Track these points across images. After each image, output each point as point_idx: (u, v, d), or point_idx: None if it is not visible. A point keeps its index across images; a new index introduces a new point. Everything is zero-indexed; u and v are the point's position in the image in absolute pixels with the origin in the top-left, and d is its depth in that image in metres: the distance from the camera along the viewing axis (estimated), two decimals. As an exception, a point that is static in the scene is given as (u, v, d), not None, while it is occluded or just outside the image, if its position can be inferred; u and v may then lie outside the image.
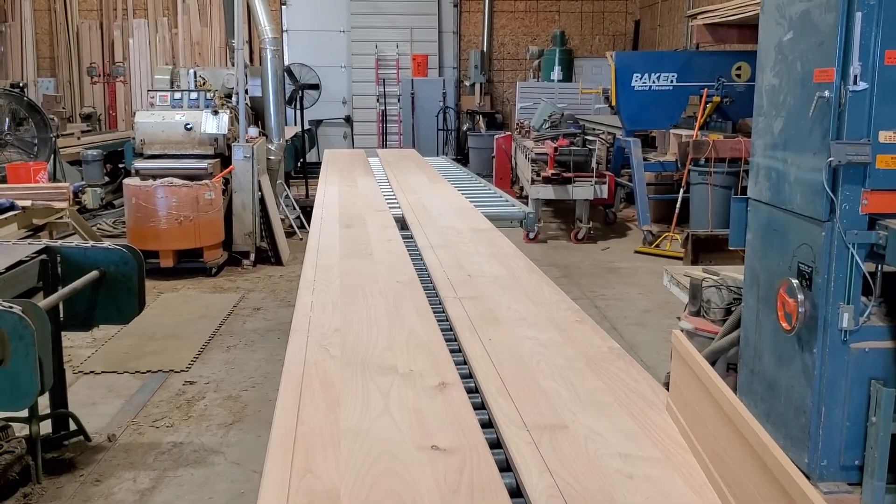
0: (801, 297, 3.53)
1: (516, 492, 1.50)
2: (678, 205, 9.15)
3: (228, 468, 4.16)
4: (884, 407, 3.37)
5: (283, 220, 9.16)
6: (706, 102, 9.45)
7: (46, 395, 4.32)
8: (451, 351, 2.22)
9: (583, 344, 2.23)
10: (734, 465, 1.34)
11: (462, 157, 14.82)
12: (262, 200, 8.33)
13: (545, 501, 1.40)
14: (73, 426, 4.42)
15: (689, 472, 1.49)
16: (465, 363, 2.18)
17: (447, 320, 2.52)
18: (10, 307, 3.26)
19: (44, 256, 4.16)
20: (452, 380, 1.97)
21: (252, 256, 8.33)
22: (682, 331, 3.33)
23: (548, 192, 9.37)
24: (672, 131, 10.22)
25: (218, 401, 5.02)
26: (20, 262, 3.96)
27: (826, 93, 3.35)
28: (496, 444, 1.70)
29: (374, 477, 1.48)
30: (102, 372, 5.50)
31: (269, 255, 8.48)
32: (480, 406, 1.90)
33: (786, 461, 1.12)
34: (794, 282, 3.59)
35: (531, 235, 9.43)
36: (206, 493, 3.92)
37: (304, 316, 2.43)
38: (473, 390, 2.00)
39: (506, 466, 1.61)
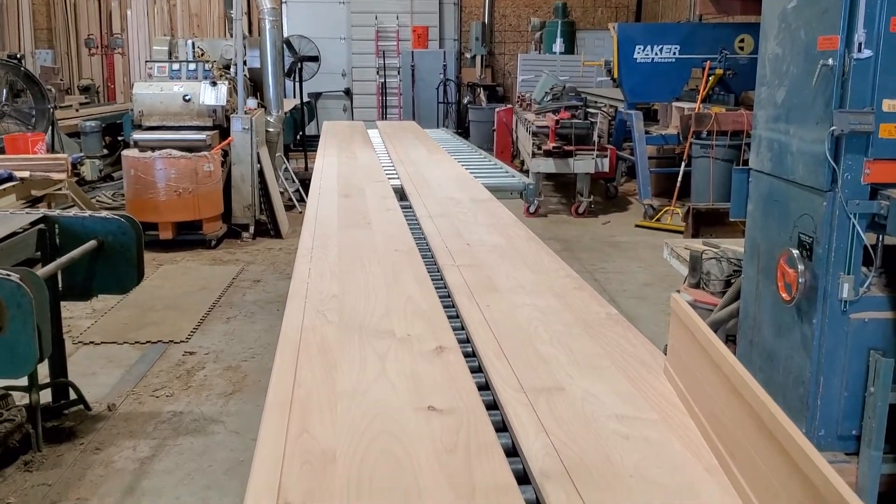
0: (801, 267, 3.52)
1: (512, 451, 1.50)
2: (679, 178, 9.11)
3: (228, 437, 4.18)
4: (882, 377, 3.37)
5: (282, 192, 9.14)
6: (709, 75, 9.39)
7: (46, 364, 4.34)
8: (449, 317, 2.21)
9: (581, 310, 2.22)
10: (732, 425, 1.34)
11: (462, 131, 14.75)
12: (260, 173, 8.30)
13: (541, 461, 1.40)
14: (72, 395, 4.43)
15: (685, 434, 1.49)
16: (462, 329, 2.17)
17: (445, 288, 2.51)
18: (8, 275, 3.25)
19: (41, 226, 4.15)
20: (450, 344, 1.96)
21: (251, 229, 8.32)
22: (681, 300, 3.31)
23: (549, 165, 9.33)
24: (674, 104, 10.16)
25: (218, 371, 5.03)
26: (18, 232, 3.95)
27: (830, 61, 3.31)
28: (493, 406, 1.70)
29: (371, 437, 1.48)
30: (102, 342, 5.51)
31: (268, 228, 8.46)
32: (478, 370, 1.90)
33: (784, 419, 1.12)
34: (795, 252, 3.57)
35: (531, 209, 9.41)
36: (206, 461, 3.94)
37: (301, 283, 2.43)
38: (471, 355, 2.00)
39: (502, 427, 1.60)
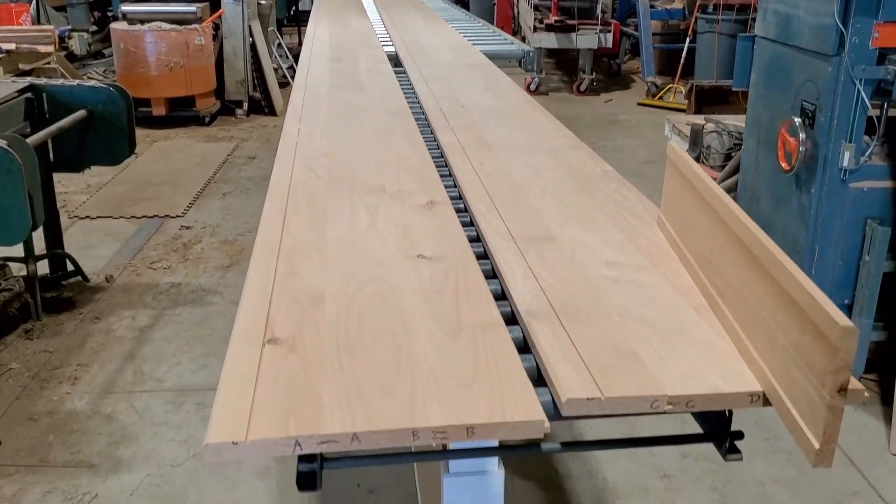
0: (802, 135, 3.46)
1: (501, 296, 1.49)
2: (684, 55, 8.90)
3: (227, 307, 4.22)
4: (878, 246, 3.37)
5: (275, 69, 8.93)
6: (717, -55, 9.00)
7: (42, 238, 4.34)
8: (442, 176, 2.17)
9: (576, 168, 2.18)
10: (722, 264, 1.32)
11: (462, 4, 14.29)
12: (253, 47, 8.09)
13: (528, 302, 1.39)
14: (70, 267, 4.45)
15: (676, 279, 1.47)
16: (454, 186, 2.14)
17: (438, 147, 2.46)
18: (-4, 141, 3.20)
19: (29, 95, 4.06)
20: (441, 199, 1.93)
21: (245, 106, 8.18)
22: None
23: (550, 40, 9.08)
24: (680, -23, 9.81)
25: (214, 244, 5.04)
26: (5, 101, 3.86)
27: (843, -83, 3.15)
28: (483, 257, 1.68)
29: (360, 280, 1.47)
30: (98, 217, 5.50)
31: (262, 105, 8.32)
32: (469, 224, 1.88)
33: (775, 249, 1.10)
34: (797, 120, 3.51)
35: (532, 87, 9.23)
36: (205, 329, 3.99)
37: (290, 141, 2.37)
38: (462, 210, 1.97)
39: (492, 275, 1.59)
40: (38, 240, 4.23)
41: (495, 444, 1.31)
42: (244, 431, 1.03)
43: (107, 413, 3.29)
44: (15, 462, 2.99)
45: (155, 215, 5.51)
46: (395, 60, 3.85)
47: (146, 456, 3.04)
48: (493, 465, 1.54)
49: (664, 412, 1.12)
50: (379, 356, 1.21)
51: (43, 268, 4.32)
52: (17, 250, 3.93)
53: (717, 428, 1.27)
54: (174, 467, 2.98)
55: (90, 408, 3.33)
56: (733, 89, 4.40)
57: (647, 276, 1.48)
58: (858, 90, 3.27)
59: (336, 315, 1.33)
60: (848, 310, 3.53)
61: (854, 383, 0.99)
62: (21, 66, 6.83)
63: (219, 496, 2.83)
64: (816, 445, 0.98)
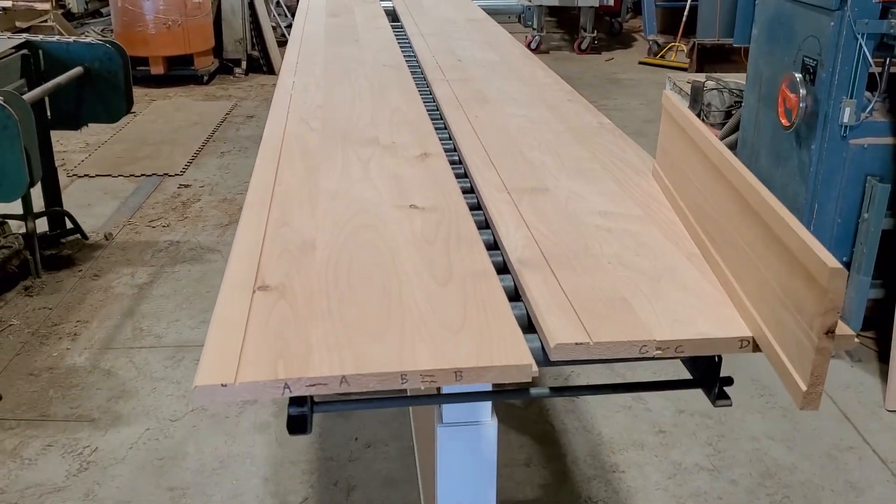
0: (803, 91, 3.43)
1: (493, 246, 1.49)
2: (686, 13, 8.78)
3: (225, 265, 4.21)
4: (877, 203, 3.35)
5: (274, 27, 8.84)
6: None
7: (41, 196, 4.33)
8: (437, 128, 2.15)
9: (573, 120, 2.17)
10: (716, 213, 1.31)
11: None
12: (251, 5, 8.00)
13: (520, 251, 1.39)
14: (69, 225, 4.45)
15: (669, 227, 1.47)
16: (450, 139, 2.12)
17: (434, 101, 2.44)
18: (-9, 97, 3.18)
19: (25, 51, 4.03)
20: (435, 151, 1.92)
21: (244, 65, 8.11)
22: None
23: (551, -3, 8.96)
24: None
25: (213, 203, 5.04)
26: (1, 58, 3.83)
27: None
28: (476, 208, 1.68)
29: (351, 229, 1.46)
30: (97, 175, 5.48)
31: (261, 64, 8.25)
32: (463, 176, 1.87)
33: (768, 195, 1.09)
34: (798, 76, 3.47)
35: (533, 45, 9.12)
36: (204, 286, 4.00)
37: (284, 94, 2.36)
38: (457, 162, 1.96)
39: (484, 225, 1.59)
40: (38, 198, 4.22)
41: (487, 387, 1.31)
42: (233, 374, 1.04)
43: (106, 368, 3.31)
44: (16, 416, 3.02)
45: (154, 174, 5.49)
46: (392, 15, 3.81)
47: (145, 410, 3.06)
48: (487, 415, 1.55)
49: (653, 358, 1.13)
50: (369, 303, 1.21)
51: (42, 225, 4.32)
52: (17, 207, 3.93)
53: (707, 374, 1.27)
54: (173, 422, 3.01)
55: (90, 363, 3.35)
56: (734, 45, 4.36)
57: (640, 226, 1.48)
58: (861, 45, 3.24)
59: (326, 263, 1.33)
60: (847, 267, 3.52)
61: (843, 328, 0.99)
62: (17, 23, 6.77)
63: (217, 450, 2.86)
64: (804, 388, 0.98)
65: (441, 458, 1.57)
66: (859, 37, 3.22)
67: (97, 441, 2.89)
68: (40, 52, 4.07)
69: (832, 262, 0.93)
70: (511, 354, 1.08)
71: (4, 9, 6.54)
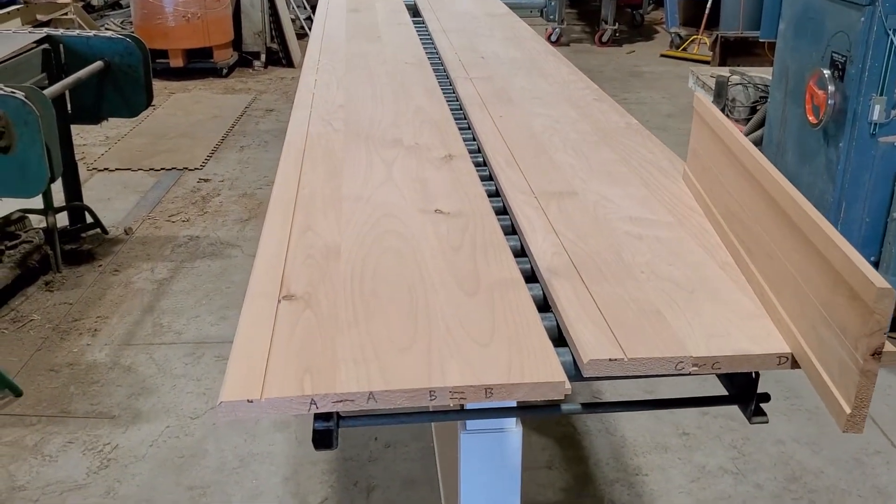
0: (831, 88, 3.37)
1: (520, 252, 1.46)
2: (709, 5, 8.67)
3: (245, 260, 4.21)
4: (906, 202, 3.29)
5: (293, 20, 8.82)
6: None
7: (61, 190, 4.34)
8: (460, 128, 2.12)
9: (599, 120, 2.13)
10: (750, 219, 1.28)
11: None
12: (271, -3, 7.98)
13: (549, 259, 1.35)
14: (89, 219, 4.46)
15: (701, 235, 1.43)
16: (473, 139, 2.09)
17: (457, 100, 2.41)
18: (13, 92, 3.18)
19: (46, 46, 4.03)
20: (459, 152, 1.89)
21: (263, 57, 8.09)
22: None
23: (572, -10, 8.88)
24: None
25: (233, 198, 5.03)
26: (22, 52, 3.83)
27: None
28: (503, 212, 1.65)
29: (375, 235, 1.44)
30: (117, 169, 5.49)
31: (280, 57, 8.23)
32: (488, 178, 1.84)
33: (804, 202, 1.05)
34: (826, 72, 3.41)
35: (553, 38, 9.04)
36: (224, 282, 3.99)
37: (307, 93, 2.33)
38: (481, 164, 1.93)
39: (511, 231, 1.56)
40: (58, 192, 4.22)
41: (513, 404, 1.28)
42: (259, 389, 1.02)
43: (126, 365, 3.31)
44: (37, 412, 3.02)
45: (173, 168, 5.49)
46: (413, 10, 3.77)
47: (165, 408, 3.06)
48: (511, 423, 1.52)
49: (689, 374, 1.09)
50: (395, 313, 1.19)
51: (62, 220, 4.33)
52: (37, 202, 3.93)
53: (743, 390, 1.24)
54: (193, 419, 3.00)
55: (110, 359, 3.35)
56: (760, 40, 4.29)
57: (672, 233, 1.44)
58: (891, 41, 3.17)
59: (352, 271, 1.31)
60: (875, 267, 3.46)
61: (889, 346, 0.95)
62: (38, 16, 6.79)
63: (237, 448, 2.85)
64: (848, 410, 0.95)
65: (464, 465, 1.54)
66: (890, 32, 3.15)
67: (118, 438, 2.89)
68: (61, 46, 4.08)
69: (880, 281, 0.89)
70: (543, 371, 1.05)
71: (26, 2, 6.56)
